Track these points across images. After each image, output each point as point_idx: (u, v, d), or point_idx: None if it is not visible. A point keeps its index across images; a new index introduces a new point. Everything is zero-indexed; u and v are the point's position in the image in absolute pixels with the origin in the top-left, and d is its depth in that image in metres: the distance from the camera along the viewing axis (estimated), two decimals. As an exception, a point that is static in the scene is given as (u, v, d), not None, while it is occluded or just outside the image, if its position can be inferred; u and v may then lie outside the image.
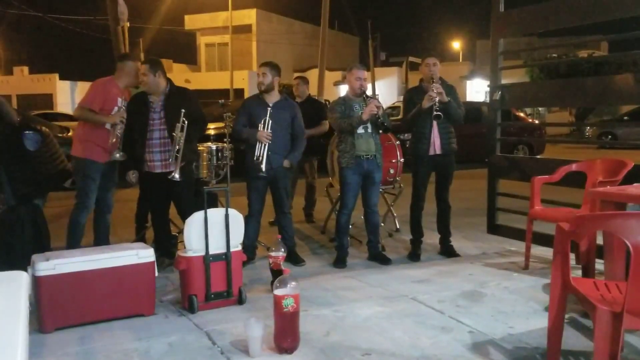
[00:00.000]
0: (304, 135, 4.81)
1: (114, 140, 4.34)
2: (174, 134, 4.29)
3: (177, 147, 4.28)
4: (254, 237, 4.74)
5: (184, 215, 3.73)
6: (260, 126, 4.54)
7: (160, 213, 4.66)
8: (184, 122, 4.27)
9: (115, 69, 4.57)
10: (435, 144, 4.81)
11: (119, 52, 10.01)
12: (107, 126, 4.35)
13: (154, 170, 4.45)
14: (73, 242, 4.35)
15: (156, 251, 3.66)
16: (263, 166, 4.50)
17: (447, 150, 4.84)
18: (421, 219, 4.99)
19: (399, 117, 5.63)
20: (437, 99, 4.61)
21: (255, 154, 4.51)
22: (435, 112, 4.61)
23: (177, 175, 4.25)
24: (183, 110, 4.27)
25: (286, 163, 4.64)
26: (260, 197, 4.69)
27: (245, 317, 3.23)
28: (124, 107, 4.43)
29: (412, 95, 4.95)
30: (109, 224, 4.66)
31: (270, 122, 4.54)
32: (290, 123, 4.67)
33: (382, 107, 4.61)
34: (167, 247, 4.62)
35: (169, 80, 4.54)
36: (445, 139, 4.82)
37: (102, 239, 4.54)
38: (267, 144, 4.51)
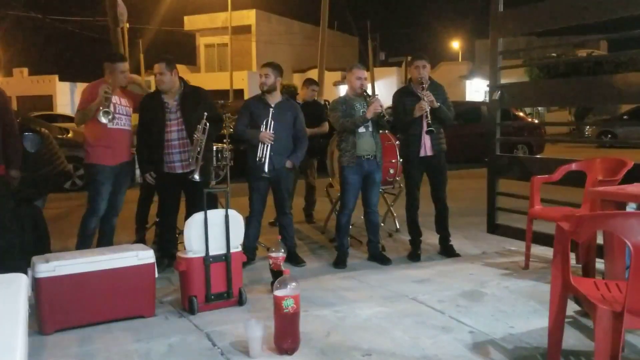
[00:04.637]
0: (306, 135, 4.80)
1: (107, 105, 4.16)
2: (195, 136, 4.25)
3: (198, 148, 4.24)
4: (254, 238, 4.73)
5: None
6: (263, 127, 4.54)
7: (172, 214, 4.64)
8: (205, 124, 4.24)
9: (104, 70, 4.48)
10: (426, 146, 4.83)
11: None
12: (103, 120, 4.16)
13: (175, 171, 4.44)
14: (83, 247, 4.31)
15: (158, 251, 3.65)
16: (266, 167, 4.50)
17: (437, 151, 4.86)
18: (417, 219, 4.99)
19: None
20: (428, 109, 4.63)
21: (258, 154, 4.51)
22: (428, 128, 4.65)
23: (197, 176, 4.24)
24: (206, 113, 4.24)
25: (288, 164, 4.64)
26: (262, 198, 4.69)
27: (245, 318, 3.23)
28: (120, 104, 4.38)
29: (402, 97, 4.94)
30: (114, 226, 4.63)
31: (273, 122, 4.53)
32: (292, 124, 4.67)
33: (384, 106, 4.62)
34: (169, 247, 4.61)
35: (182, 80, 4.53)
36: (435, 140, 4.84)
37: (105, 241, 4.52)
38: (269, 145, 4.50)
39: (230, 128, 4.97)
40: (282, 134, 4.58)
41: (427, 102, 4.64)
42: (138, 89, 4.99)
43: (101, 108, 4.15)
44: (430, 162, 4.88)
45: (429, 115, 4.65)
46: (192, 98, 4.45)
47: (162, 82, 4.38)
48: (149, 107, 4.46)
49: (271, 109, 4.56)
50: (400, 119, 4.87)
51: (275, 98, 4.65)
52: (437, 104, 4.68)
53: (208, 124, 4.25)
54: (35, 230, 4.46)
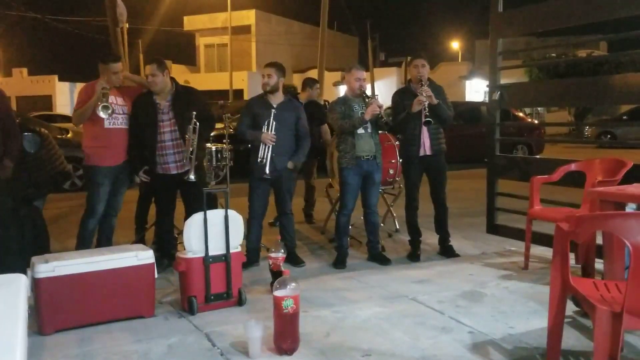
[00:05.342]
0: (309, 135, 4.80)
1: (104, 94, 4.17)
2: (187, 136, 4.25)
3: (190, 149, 4.25)
4: (256, 240, 4.72)
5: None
6: (264, 127, 4.53)
7: (169, 214, 4.64)
8: (195, 124, 4.23)
9: (99, 71, 4.45)
10: (425, 145, 4.83)
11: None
12: (103, 115, 4.15)
13: (169, 172, 4.43)
14: (82, 247, 4.29)
15: (157, 252, 3.64)
16: (267, 168, 4.49)
17: (437, 151, 4.87)
18: (417, 219, 4.99)
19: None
20: (426, 103, 4.63)
21: (259, 155, 4.50)
22: (425, 119, 4.65)
23: (192, 177, 4.24)
24: (194, 113, 4.24)
25: (290, 164, 4.62)
26: (263, 199, 4.68)
27: (245, 319, 3.23)
28: (116, 103, 4.37)
29: (401, 97, 4.95)
30: (113, 226, 4.63)
31: (274, 123, 4.52)
32: (295, 124, 4.66)
33: (382, 107, 4.62)
34: (168, 248, 4.61)
35: (173, 80, 4.53)
36: (435, 140, 4.84)
37: (104, 241, 4.52)
38: (271, 146, 4.50)
39: (230, 128, 4.96)
40: (284, 135, 4.57)
41: (425, 97, 4.64)
42: (131, 82, 4.95)
43: (99, 103, 4.14)
44: (430, 162, 4.88)
45: (427, 108, 4.65)
46: (184, 98, 4.44)
47: (155, 84, 4.37)
48: (141, 109, 4.43)
49: (273, 110, 4.55)
50: (399, 115, 4.87)
51: (277, 98, 4.64)
52: (435, 101, 4.68)
53: (198, 124, 4.24)
54: (34, 231, 4.45)
